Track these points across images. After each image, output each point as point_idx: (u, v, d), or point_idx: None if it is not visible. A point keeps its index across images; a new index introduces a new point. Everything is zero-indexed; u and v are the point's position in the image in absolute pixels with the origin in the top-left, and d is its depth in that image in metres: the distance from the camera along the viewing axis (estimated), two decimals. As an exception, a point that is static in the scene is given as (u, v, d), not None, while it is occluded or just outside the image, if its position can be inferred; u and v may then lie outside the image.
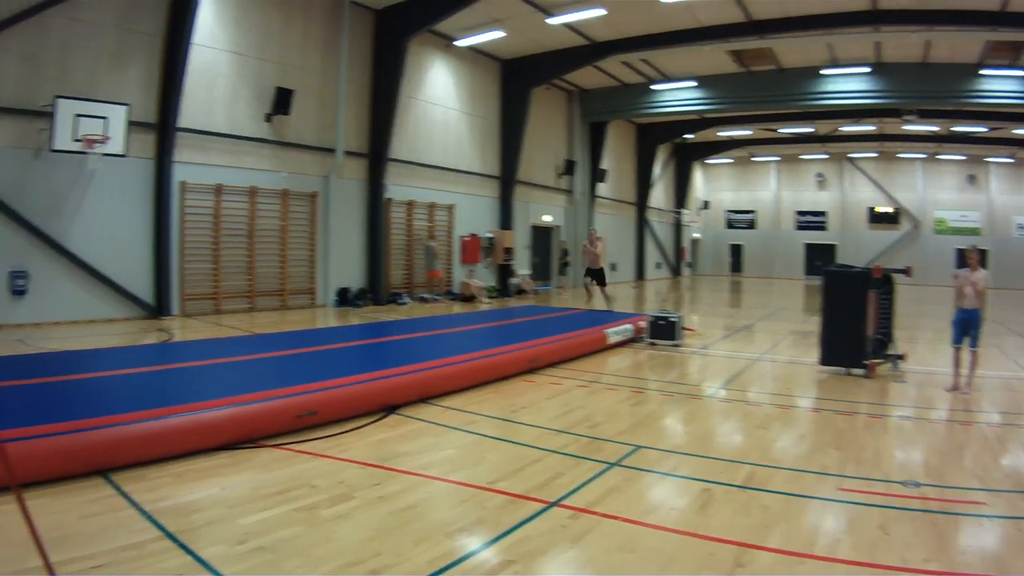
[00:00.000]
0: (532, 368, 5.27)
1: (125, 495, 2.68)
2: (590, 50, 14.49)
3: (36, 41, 7.89)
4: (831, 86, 14.71)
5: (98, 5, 8.33)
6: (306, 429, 3.76)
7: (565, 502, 2.66)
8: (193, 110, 9.49)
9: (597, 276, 10.02)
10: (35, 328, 7.76)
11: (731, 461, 3.16)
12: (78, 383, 4.19)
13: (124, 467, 3.02)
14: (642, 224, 22.86)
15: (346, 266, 12.01)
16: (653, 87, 17.05)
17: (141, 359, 5.39)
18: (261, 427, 3.64)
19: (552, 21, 12.65)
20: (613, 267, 20.76)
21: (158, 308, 9.37)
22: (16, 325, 7.75)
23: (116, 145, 8.26)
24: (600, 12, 11.99)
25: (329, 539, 2.36)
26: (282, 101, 10.81)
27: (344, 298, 11.93)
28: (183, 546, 2.19)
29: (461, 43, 14.12)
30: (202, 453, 3.32)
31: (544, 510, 2.58)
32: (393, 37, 12.08)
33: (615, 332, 6.77)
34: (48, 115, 7.66)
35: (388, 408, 4.16)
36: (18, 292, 7.77)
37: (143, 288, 9.24)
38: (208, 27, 9.64)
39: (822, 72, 14.62)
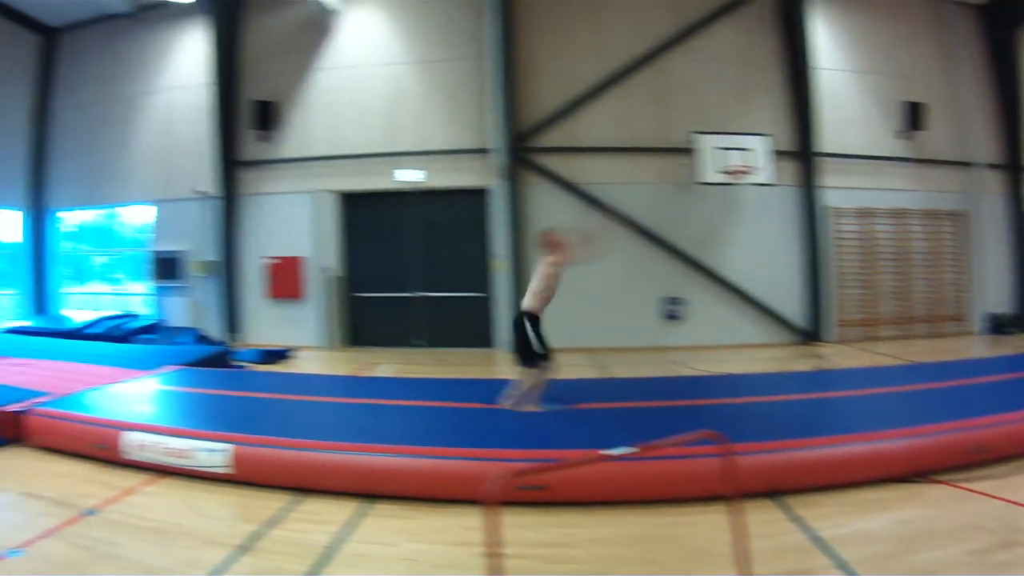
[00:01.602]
0: None
1: (797, 520, 3.76)
2: None
3: (662, 84, 11.40)
4: None
5: (712, 46, 11.61)
6: (971, 466, 4.59)
7: None
8: (827, 133, 12.03)
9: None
10: (689, 351, 10.89)
11: None
12: (748, 406, 5.80)
13: (796, 491, 4.12)
14: None
15: (995, 290, 13.43)
16: None
17: (802, 385, 7.12)
18: (930, 461, 4.52)
19: None
20: None
21: (811, 334, 11.88)
22: (671, 348, 11.12)
23: (763, 174, 11.17)
24: None
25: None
26: (912, 115, 12.72)
27: (995, 325, 13.34)
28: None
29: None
30: (871, 484, 4.28)
31: None
32: (1002, 32, 13.36)
33: None
34: (686, 151, 10.98)
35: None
36: (673, 317, 11.32)
37: (794, 314, 11.88)
38: (824, 50, 12.17)
39: None
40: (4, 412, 6.20)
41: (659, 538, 3.66)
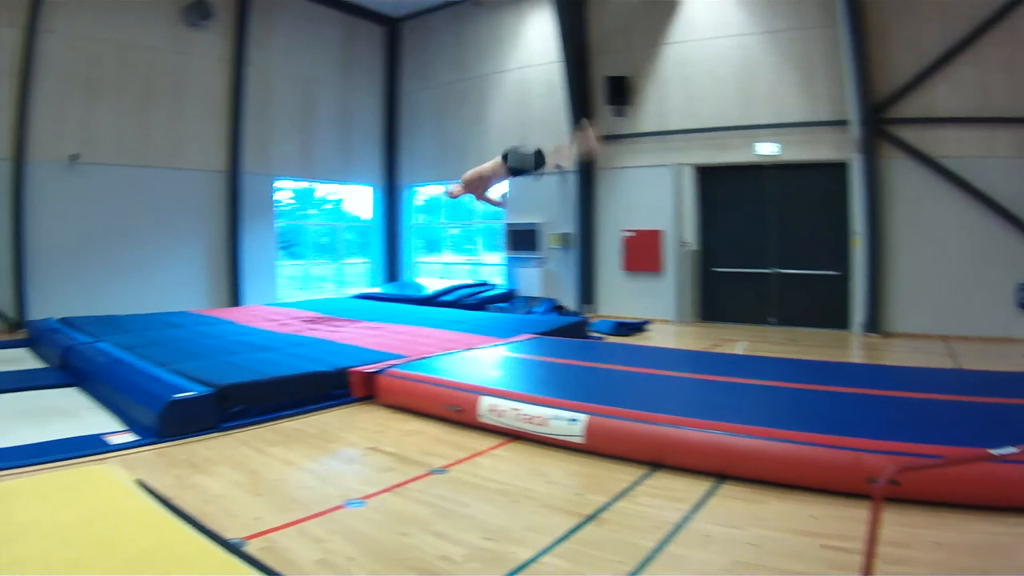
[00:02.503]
0: None
1: None
2: None
3: (1013, 46, 12.43)
4: None
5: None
6: None
7: None
8: None
9: None
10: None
11: None
12: None
13: None
14: None
15: None
16: None
17: None
18: None
19: None
20: None
21: None
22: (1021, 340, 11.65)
23: None
24: None
25: None
26: None
27: None
28: None
29: None
30: None
31: None
32: None
33: None
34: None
35: None
36: (1026, 306, 10.94)
37: None
38: None
39: None
40: (358, 372, 7.62)
41: (1000, 548, 4.04)
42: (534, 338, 10.42)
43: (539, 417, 6.21)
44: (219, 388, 6.92)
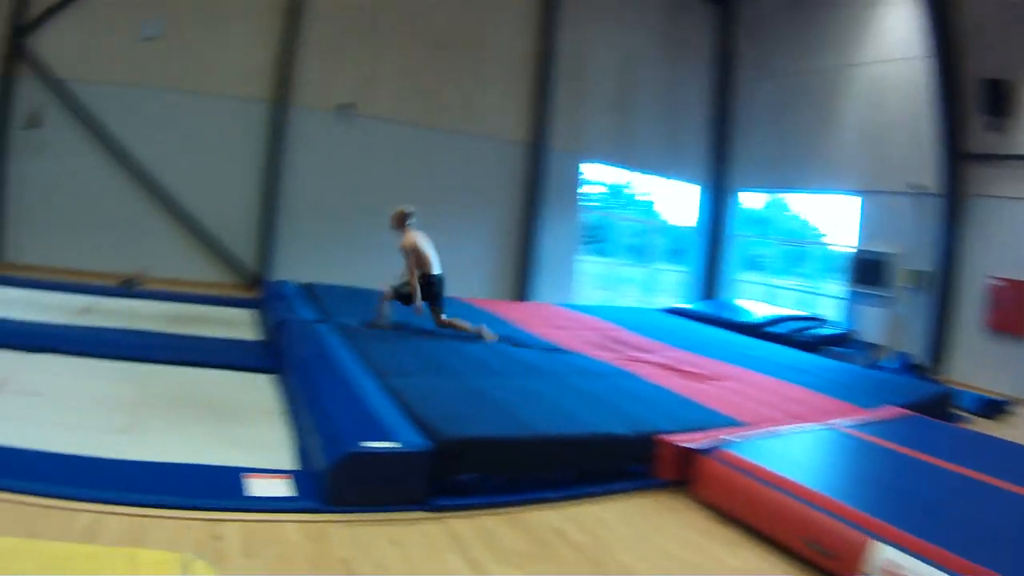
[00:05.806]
0: None
1: None
2: None
3: None
4: None
5: None
6: None
7: None
8: None
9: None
10: None
11: None
12: None
13: None
14: None
15: None
16: None
17: None
18: None
19: None
20: None
21: None
22: None
23: None
24: None
25: None
26: None
27: None
28: None
29: None
30: None
31: None
32: None
33: None
34: None
35: None
36: None
37: None
38: None
39: None
40: (672, 444, 5.60)
41: None
42: (907, 417, 8.05)
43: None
44: (442, 442, 4.98)
